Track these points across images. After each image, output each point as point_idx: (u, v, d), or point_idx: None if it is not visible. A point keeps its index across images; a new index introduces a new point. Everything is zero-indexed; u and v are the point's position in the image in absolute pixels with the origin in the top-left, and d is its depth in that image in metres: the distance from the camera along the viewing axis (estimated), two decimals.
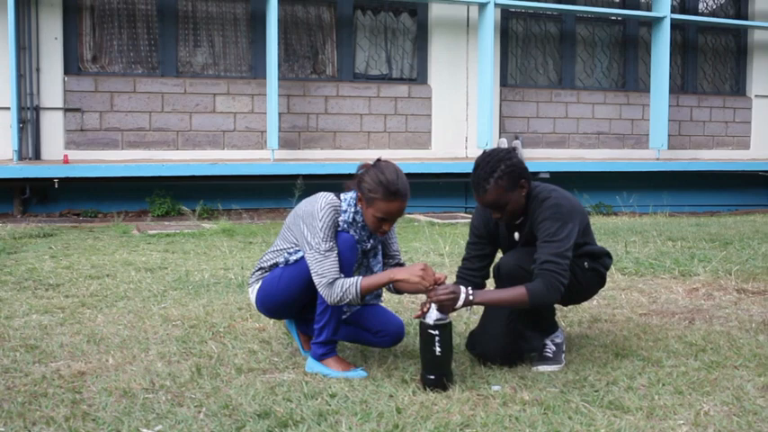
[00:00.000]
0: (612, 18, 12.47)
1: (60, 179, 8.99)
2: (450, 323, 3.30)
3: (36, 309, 4.58)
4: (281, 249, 3.56)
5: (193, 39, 10.40)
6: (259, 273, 3.63)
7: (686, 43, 12.96)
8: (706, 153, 12.97)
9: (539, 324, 3.63)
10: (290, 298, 3.52)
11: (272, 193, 10.08)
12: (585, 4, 12.22)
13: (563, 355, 3.61)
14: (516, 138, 11.44)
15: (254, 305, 3.66)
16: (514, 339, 3.60)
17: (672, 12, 11.83)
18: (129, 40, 10.08)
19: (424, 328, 3.28)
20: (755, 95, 13.35)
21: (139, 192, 9.67)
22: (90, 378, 3.33)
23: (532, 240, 3.46)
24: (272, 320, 4.23)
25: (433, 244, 7.12)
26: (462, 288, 3.30)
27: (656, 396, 3.15)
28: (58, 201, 9.56)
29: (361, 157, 9.44)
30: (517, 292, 3.30)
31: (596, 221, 9.09)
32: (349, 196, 3.50)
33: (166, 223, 8.90)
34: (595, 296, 3.96)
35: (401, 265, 3.71)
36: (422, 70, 11.35)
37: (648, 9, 12.29)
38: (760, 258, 6.36)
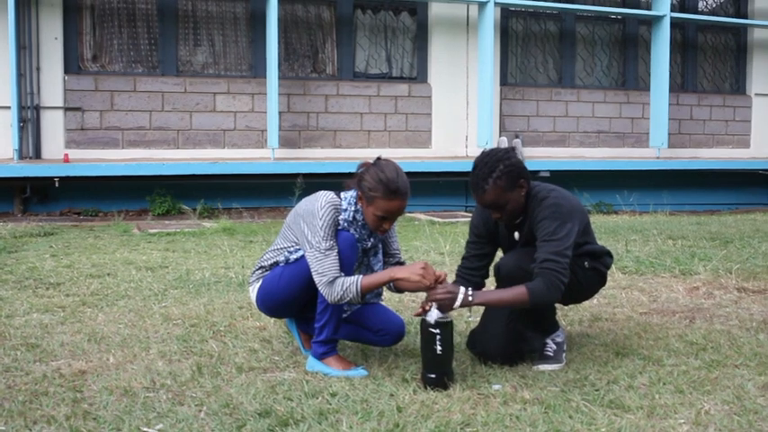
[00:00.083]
0: (612, 17, 12.47)
1: (61, 178, 8.99)
2: (451, 322, 3.30)
3: (37, 307, 4.58)
4: (281, 248, 3.56)
5: (194, 38, 10.39)
6: (260, 271, 3.63)
7: (686, 42, 12.96)
8: (706, 152, 12.97)
9: (540, 324, 3.63)
10: (291, 297, 3.53)
11: (273, 191, 10.08)
12: (585, 3, 12.21)
13: (564, 354, 3.61)
14: (516, 136, 11.44)
15: (255, 304, 3.66)
16: (515, 338, 3.60)
17: (672, 10, 11.82)
18: (129, 39, 10.07)
19: (425, 326, 3.28)
20: (755, 94, 13.35)
21: (140, 191, 9.67)
22: (91, 377, 3.33)
23: (532, 240, 3.45)
24: (272, 319, 4.23)
25: (434, 243, 7.12)
26: (462, 288, 3.29)
27: (657, 395, 3.15)
28: (58, 200, 9.56)
29: (361, 156, 9.44)
30: (517, 291, 3.29)
31: (596, 220, 9.09)
32: (349, 195, 3.50)
33: (167, 222, 8.90)
34: (596, 295, 3.96)
35: (401, 263, 3.71)
36: (422, 69, 11.35)
37: (648, 8, 12.29)
38: (760, 257, 6.36)
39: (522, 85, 11.95)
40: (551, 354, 3.59)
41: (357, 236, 3.48)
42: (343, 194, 3.51)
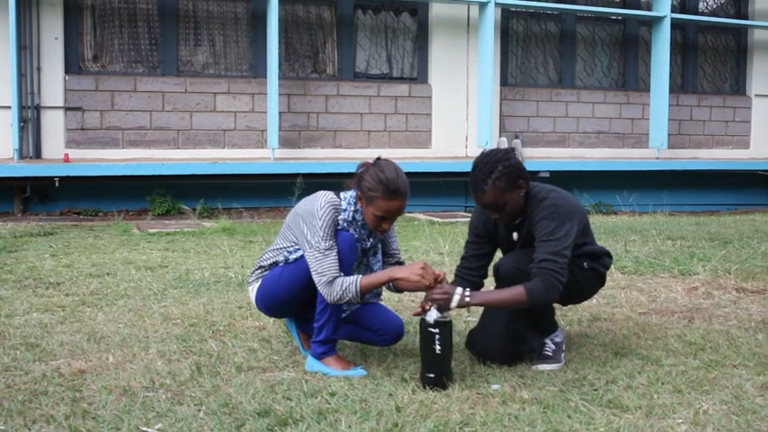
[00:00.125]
0: (613, 17, 12.47)
1: (61, 178, 9.00)
2: (450, 322, 3.30)
3: (36, 307, 4.58)
4: (280, 248, 3.56)
5: (194, 38, 10.40)
6: (259, 271, 3.63)
7: (686, 43, 12.96)
8: (706, 152, 12.97)
9: (538, 324, 3.63)
10: (290, 296, 3.53)
11: (273, 191, 10.08)
12: (586, 4, 12.22)
13: (562, 354, 3.62)
14: (516, 137, 11.44)
15: (254, 304, 3.67)
16: (514, 338, 3.60)
17: (672, 11, 11.82)
18: (129, 39, 10.08)
19: (424, 326, 3.28)
20: (755, 95, 13.35)
21: (140, 191, 9.68)
22: (90, 376, 3.34)
23: (531, 240, 3.45)
24: (271, 319, 4.24)
25: (433, 243, 7.12)
26: (459, 289, 3.29)
27: (656, 395, 3.16)
28: (58, 199, 9.56)
29: (361, 156, 9.44)
30: (515, 291, 3.29)
31: (596, 220, 9.09)
32: (349, 195, 3.51)
33: (167, 222, 8.90)
34: (595, 295, 3.97)
35: (401, 263, 3.72)
36: (422, 69, 11.35)
37: (649, 8, 12.29)
38: (759, 257, 6.36)
39: (522, 86, 11.95)
40: (550, 353, 3.59)
41: (356, 236, 3.48)
42: (342, 194, 3.51)
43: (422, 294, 3.46)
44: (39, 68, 9.48)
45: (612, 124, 12.40)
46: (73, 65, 9.75)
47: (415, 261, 3.75)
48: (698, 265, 5.97)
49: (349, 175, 3.60)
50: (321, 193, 3.48)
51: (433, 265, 3.40)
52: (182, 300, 4.84)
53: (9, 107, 9.11)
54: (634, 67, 12.61)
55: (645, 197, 11.31)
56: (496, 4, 10.91)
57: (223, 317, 4.41)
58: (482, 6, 10.82)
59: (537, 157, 11.37)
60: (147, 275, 5.59)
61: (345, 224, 3.45)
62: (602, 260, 3.68)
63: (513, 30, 11.97)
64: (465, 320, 4.30)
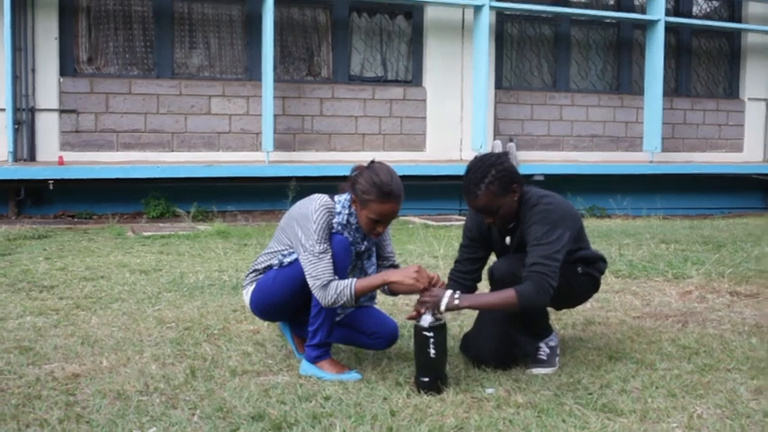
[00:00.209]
0: (607, 21, 12.50)
1: (55, 180, 8.97)
2: (444, 325, 3.31)
3: (30, 310, 4.57)
4: (275, 251, 3.56)
5: (189, 40, 10.39)
6: (253, 275, 3.63)
7: (680, 46, 12.99)
8: (699, 156, 13.00)
9: (532, 328, 3.63)
10: (284, 300, 3.53)
11: (267, 194, 10.07)
12: (580, 7, 12.24)
13: (557, 358, 3.62)
14: (511, 140, 11.46)
15: (249, 307, 3.67)
16: (508, 341, 3.60)
17: (666, 15, 11.84)
18: (124, 41, 10.06)
19: (418, 330, 3.28)
20: (749, 98, 13.38)
21: (134, 193, 9.66)
22: (84, 380, 3.33)
23: (524, 245, 3.46)
24: (266, 323, 4.23)
25: (428, 246, 7.13)
26: (448, 291, 3.30)
27: (650, 399, 3.17)
28: (52, 202, 9.54)
29: (355, 159, 9.43)
30: (506, 295, 3.30)
31: (590, 224, 9.10)
32: (343, 198, 3.51)
33: (161, 225, 8.89)
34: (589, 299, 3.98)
35: (396, 266, 3.72)
36: (417, 72, 11.36)
37: (643, 12, 12.31)
38: (753, 261, 6.38)
39: (516, 89, 11.96)
40: (545, 357, 3.59)
41: (351, 239, 3.48)
42: (337, 198, 3.52)
43: (417, 297, 3.46)
44: (33, 70, 9.46)
45: (606, 128, 12.41)
46: (68, 67, 9.73)
47: (409, 264, 3.75)
48: (692, 269, 5.98)
49: (343, 178, 3.60)
50: (316, 196, 3.48)
51: (428, 269, 3.40)
52: (176, 303, 4.84)
53: (3, 109, 9.09)
54: (628, 70, 12.64)
55: (639, 201, 11.33)
56: (491, 8, 10.92)
57: (217, 320, 4.41)
58: (477, 10, 10.83)
59: (531, 161, 11.39)
60: (141, 279, 5.58)
61: (340, 227, 3.45)
62: (596, 265, 3.69)
63: (507, 33, 11.98)
64: (459, 324, 4.30)
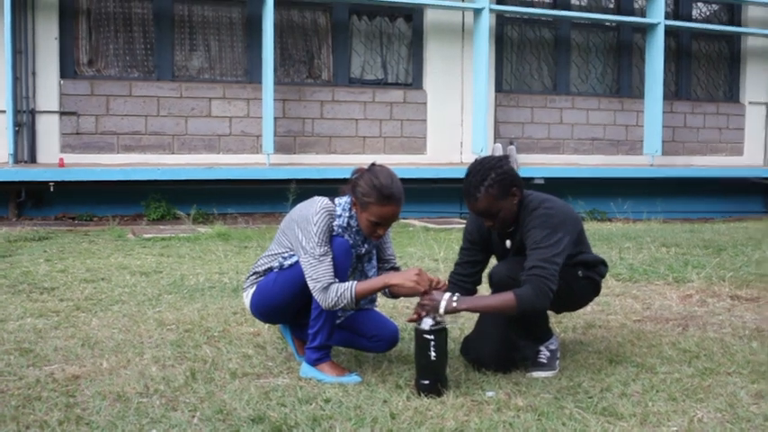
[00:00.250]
0: (607, 24, 12.51)
1: (56, 182, 8.98)
2: (445, 328, 3.30)
3: (30, 312, 4.57)
4: (275, 254, 3.56)
5: (189, 43, 10.40)
6: (254, 277, 3.63)
7: (680, 50, 13.00)
8: (700, 159, 13.01)
9: (533, 332, 3.62)
10: (285, 302, 3.53)
11: (268, 197, 10.08)
12: (580, 11, 12.25)
13: (557, 362, 3.62)
14: (511, 143, 11.46)
15: (249, 309, 3.67)
16: (509, 345, 3.60)
17: (666, 18, 11.86)
18: (125, 43, 10.07)
19: (419, 333, 3.28)
20: (749, 102, 13.40)
21: (135, 195, 9.66)
22: (84, 382, 3.33)
23: (524, 249, 3.45)
24: (266, 325, 4.23)
25: (428, 249, 7.13)
26: (446, 294, 3.29)
27: (650, 403, 3.16)
28: (53, 204, 9.54)
29: (356, 162, 9.43)
30: (505, 298, 3.29)
31: (590, 227, 9.11)
32: (344, 201, 3.51)
33: (162, 227, 8.89)
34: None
35: (396, 269, 3.72)
36: (417, 75, 11.36)
37: (643, 15, 12.33)
38: (753, 265, 6.37)
39: (516, 92, 11.97)
40: (545, 361, 3.59)
41: (351, 242, 3.48)
42: (337, 200, 3.52)
43: (417, 300, 3.46)
44: (34, 73, 9.47)
45: (607, 131, 12.42)
46: (68, 69, 9.74)
47: (410, 267, 3.75)
48: (692, 273, 5.98)
49: (344, 180, 3.60)
50: (316, 198, 3.48)
51: (428, 272, 3.40)
52: (176, 305, 4.84)
53: (4, 111, 9.09)
54: (628, 73, 12.65)
55: (639, 204, 11.33)
56: (491, 11, 10.94)
57: (218, 323, 4.41)
58: (477, 13, 10.84)
59: (531, 164, 11.39)
60: (141, 281, 5.58)
61: (340, 230, 3.45)
62: (597, 269, 3.69)
63: (507, 36, 11.99)
64: (459, 327, 4.30)
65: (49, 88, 9.56)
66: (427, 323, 3.26)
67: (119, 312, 4.63)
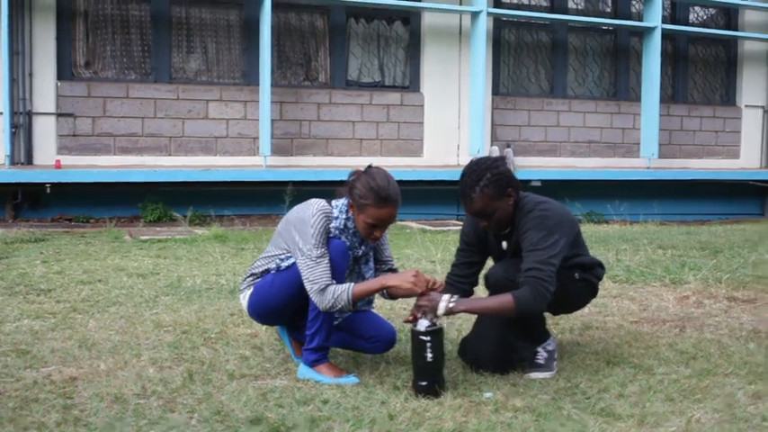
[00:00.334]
0: (604, 28, 12.53)
1: (52, 184, 8.96)
2: (441, 329, 3.31)
3: (27, 314, 4.56)
4: (272, 255, 3.56)
5: (186, 45, 10.40)
6: (251, 279, 3.63)
7: (677, 53, 13.03)
8: (696, 162, 13.02)
9: (530, 333, 3.62)
10: (282, 304, 3.53)
11: (265, 199, 10.07)
12: (577, 14, 12.27)
13: (555, 363, 3.62)
14: (508, 146, 11.47)
15: (246, 311, 3.67)
16: (506, 346, 3.60)
17: (663, 22, 11.87)
18: (122, 45, 10.07)
19: (415, 334, 3.29)
20: (745, 105, 13.42)
21: (131, 197, 9.65)
22: (81, 383, 3.33)
23: (520, 251, 3.46)
24: (264, 326, 4.23)
25: (425, 251, 7.13)
26: (445, 296, 3.29)
27: (648, 403, 3.17)
28: (49, 206, 9.52)
29: (353, 164, 9.44)
30: (503, 299, 3.29)
31: (587, 230, 9.11)
32: (340, 203, 3.51)
33: (158, 229, 8.88)
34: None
35: (394, 270, 3.72)
36: (414, 78, 11.37)
37: (640, 19, 12.34)
38: (750, 267, 6.39)
39: (513, 95, 11.98)
40: (542, 362, 3.59)
41: (348, 243, 3.49)
42: (334, 202, 3.52)
43: (415, 301, 3.46)
44: (31, 74, 9.46)
45: (603, 134, 12.44)
46: (65, 71, 9.73)
47: (407, 269, 3.75)
48: (689, 275, 5.99)
49: (341, 183, 3.60)
50: (313, 200, 3.48)
51: (425, 273, 3.40)
52: (173, 307, 4.83)
53: (1, 113, 9.07)
54: (625, 77, 12.67)
55: (636, 206, 11.34)
56: (488, 14, 10.94)
57: (215, 324, 4.40)
58: (474, 16, 10.85)
59: (528, 167, 11.40)
60: (138, 282, 5.57)
61: (337, 232, 3.45)
62: (594, 271, 3.69)
63: (504, 39, 12.00)
64: (457, 328, 4.30)
65: (45, 90, 9.55)
66: (423, 324, 3.26)
67: (116, 314, 4.62)
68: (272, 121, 10.07)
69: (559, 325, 4.47)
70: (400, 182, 3.51)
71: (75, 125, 9.69)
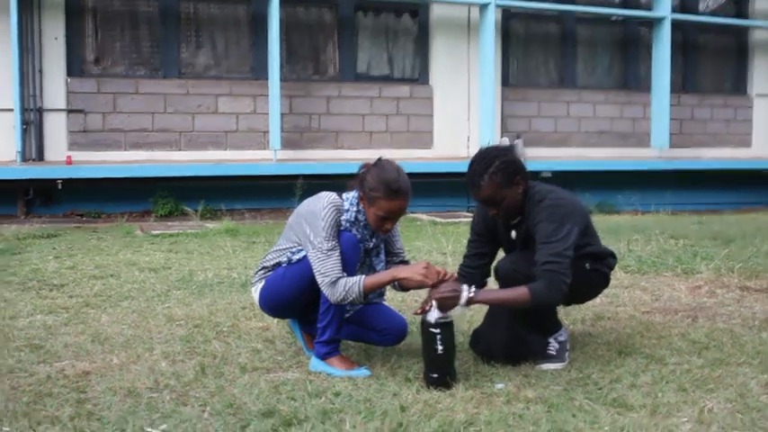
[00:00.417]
0: (613, 18, 12.47)
1: (64, 180, 9.01)
2: (451, 322, 3.30)
3: (40, 309, 4.59)
4: (283, 249, 3.56)
5: (195, 40, 10.41)
6: (262, 272, 3.63)
7: (687, 43, 12.96)
8: (708, 152, 12.97)
9: (542, 324, 3.61)
10: (293, 297, 3.53)
11: (275, 193, 10.09)
12: (586, 5, 12.22)
13: (567, 353, 3.61)
14: (518, 137, 11.43)
15: (258, 304, 3.67)
16: (518, 337, 3.60)
17: (672, 11, 11.83)
18: (131, 41, 10.09)
19: (425, 326, 3.28)
20: (756, 94, 13.34)
21: (142, 192, 9.68)
22: (94, 378, 3.34)
23: (530, 240, 3.45)
24: (275, 320, 4.24)
25: (436, 243, 7.13)
26: (464, 286, 3.29)
27: (660, 393, 3.16)
28: (61, 202, 9.57)
29: (363, 157, 9.40)
30: (519, 292, 3.29)
31: (598, 220, 9.03)
32: (351, 195, 3.51)
33: (170, 223, 8.91)
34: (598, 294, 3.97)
35: (405, 262, 3.72)
36: (423, 70, 11.35)
37: (649, 9, 12.28)
38: (762, 256, 6.36)
39: (523, 86, 11.95)
40: (554, 353, 3.59)
41: (359, 236, 3.48)
42: (345, 195, 3.52)
43: (426, 293, 3.46)
44: (41, 71, 9.49)
45: (614, 124, 12.39)
46: (75, 67, 9.76)
47: (418, 261, 3.75)
48: (701, 264, 5.97)
49: (351, 176, 3.60)
50: (323, 193, 3.48)
51: (436, 266, 3.39)
52: (185, 301, 4.85)
53: (11, 110, 9.12)
54: (635, 67, 12.61)
55: (647, 196, 11.31)
56: (497, 6, 10.92)
57: (227, 318, 4.42)
58: (482, 8, 10.82)
59: (539, 158, 11.37)
60: (150, 277, 5.59)
61: (348, 225, 3.45)
62: (605, 261, 3.67)
63: (513, 31, 11.97)
64: (468, 320, 4.30)
65: (56, 86, 9.59)
66: (433, 316, 3.26)
67: (128, 308, 4.64)
68: (282, 114, 10.08)
69: (571, 315, 4.46)
70: (410, 174, 3.50)
71: (85, 121, 9.72)
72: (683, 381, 3.31)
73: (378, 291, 3.60)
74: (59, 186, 9.07)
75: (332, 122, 10.78)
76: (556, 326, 3.65)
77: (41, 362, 3.57)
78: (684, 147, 12.77)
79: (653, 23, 11.99)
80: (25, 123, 9.33)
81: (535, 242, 3.39)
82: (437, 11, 11.24)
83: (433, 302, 3.28)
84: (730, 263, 5.99)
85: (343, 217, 3.45)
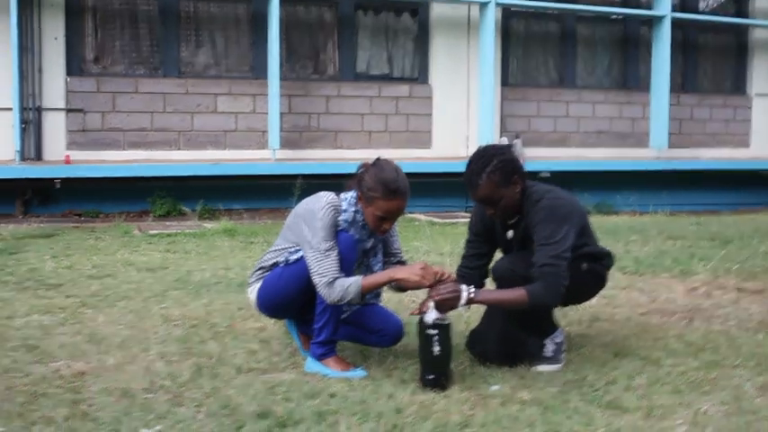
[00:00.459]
0: (613, 17, 12.47)
1: (62, 179, 9.01)
2: (449, 324, 3.30)
3: (37, 309, 4.59)
4: (281, 249, 3.56)
5: (195, 39, 10.40)
6: (259, 272, 3.63)
7: (687, 42, 12.95)
8: (706, 152, 12.96)
9: (538, 326, 3.61)
10: (290, 297, 3.53)
11: (274, 192, 10.08)
12: (586, 4, 12.21)
13: (562, 355, 3.61)
14: (517, 137, 11.43)
15: (255, 305, 3.67)
16: (515, 339, 3.59)
17: (672, 10, 11.81)
18: (130, 40, 10.08)
19: (422, 328, 3.28)
20: (756, 94, 13.33)
21: (141, 192, 9.68)
22: (90, 378, 3.34)
23: (527, 241, 3.45)
24: (272, 320, 4.23)
25: (434, 243, 7.13)
26: (464, 287, 3.29)
27: (655, 396, 3.16)
28: (59, 201, 9.57)
29: (362, 157, 9.39)
30: (517, 293, 3.29)
31: (596, 220, 9.05)
32: (349, 195, 3.51)
33: (167, 223, 8.91)
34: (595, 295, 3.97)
35: (403, 263, 3.72)
36: (423, 70, 11.35)
37: (649, 8, 12.27)
38: (760, 257, 6.36)
39: (522, 86, 11.94)
40: (550, 354, 3.59)
41: (357, 236, 3.48)
42: (343, 195, 3.52)
43: (424, 294, 3.45)
44: (40, 70, 9.49)
45: (613, 124, 12.39)
46: (74, 66, 9.76)
47: (415, 262, 3.75)
48: (698, 265, 5.97)
49: (350, 175, 3.60)
50: (322, 193, 3.48)
51: (434, 266, 3.39)
52: (182, 301, 4.85)
53: (10, 109, 9.11)
54: (634, 66, 12.60)
55: (645, 197, 11.30)
56: (497, 5, 10.91)
57: (223, 318, 4.42)
58: (482, 6, 10.82)
59: (538, 157, 11.37)
60: (147, 277, 5.59)
61: (346, 225, 3.45)
62: (602, 261, 3.67)
63: (513, 30, 11.96)
64: (465, 321, 4.29)
65: (55, 85, 9.58)
66: (430, 318, 3.26)
67: (125, 308, 4.64)
68: (281, 114, 10.08)
69: (567, 317, 4.46)
70: (409, 174, 3.50)
71: (84, 120, 9.72)
72: (678, 383, 3.31)
73: (374, 291, 3.60)
74: (58, 186, 9.07)
75: (331, 122, 10.77)
76: (552, 327, 3.65)
77: (37, 362, 3.57)
78: (683, 147, 12.76)
79: (653, 22, 11.98)
80: (24, 122, 9.33)
81: (533, 242, 3.39)
82: (437, 9, 11.23)
83: (431, 303, 3.28)
84: (727, 264, 6.00)
85: (342, 217, 3.45)
